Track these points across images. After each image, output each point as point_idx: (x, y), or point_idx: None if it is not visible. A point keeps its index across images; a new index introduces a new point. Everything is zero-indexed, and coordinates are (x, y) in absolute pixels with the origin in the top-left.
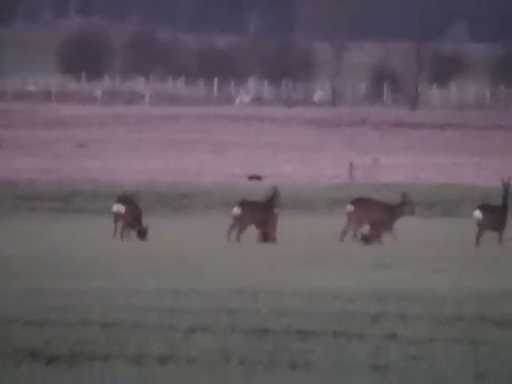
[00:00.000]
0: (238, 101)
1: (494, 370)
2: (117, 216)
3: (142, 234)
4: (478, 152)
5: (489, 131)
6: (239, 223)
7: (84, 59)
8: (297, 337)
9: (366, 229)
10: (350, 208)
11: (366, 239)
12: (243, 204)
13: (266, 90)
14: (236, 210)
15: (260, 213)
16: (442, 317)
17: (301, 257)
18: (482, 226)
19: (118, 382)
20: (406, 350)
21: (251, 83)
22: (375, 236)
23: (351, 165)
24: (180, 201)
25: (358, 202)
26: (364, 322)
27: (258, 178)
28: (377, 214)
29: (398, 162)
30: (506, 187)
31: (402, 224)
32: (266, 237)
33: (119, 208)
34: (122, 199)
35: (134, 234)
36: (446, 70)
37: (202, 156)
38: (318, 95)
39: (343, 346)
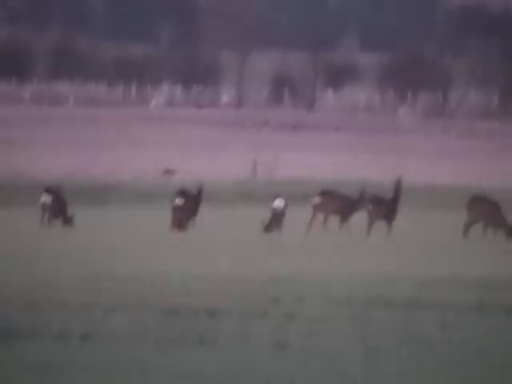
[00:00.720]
0: (153, 103)
1: (382, 346)
2: (44, 206)
3: (68, 221)
4: (368, 151)
5: (378, 132)
6: (179, 214)
7: (13, 65)
8: (205, 316)
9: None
10: (316, 200)
11: (267, 229)
12: (183, 193)
13: (179, 93)
14: (178, 201)
15: (191, 204)
16: (335, 299)
17: (213, 244)
18: (372, 217)
19: (42, 357)
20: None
21: (165, 88)
22: (342, 223)
23: (254, 162)
24: (100, 193)
25: (324, 195)
26: (266, 303)
27: (172, 172)
28: (340, 205)
29: (296, 160)
30: (398, 182)
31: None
32: (180, 225)
33: (46, 199)
34: (49, 191)
35: (59, 222)
36: (339, 77)
37: (120, 153)
38: (224, 98)
39: (247, 324)
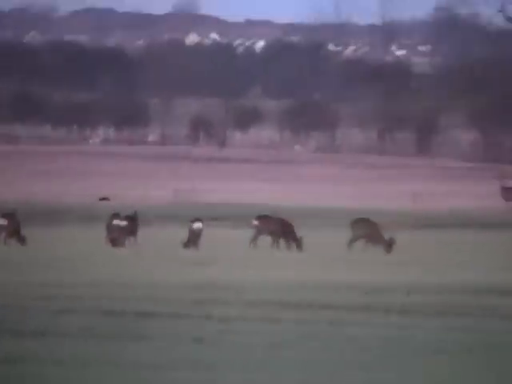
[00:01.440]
0: (91, 141)
1: (289, 341)
2: (1, 228)
3: (22, 240)
4: (271, 179)
5: (278, 164)
6: (117, 233)
7: None
8: (138, 317)
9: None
10: (255, 222)
11: (185, 245)
12: (118, 215)
13: (113, 133)
14: (122, 223)
15: (130, 224)
16: (250, 301)
17: (145, 257)
18: (258, 231)
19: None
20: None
21: (101, 128)
22: (274, 242)
23: (176, 190)
24: (51, 216)
25: (261, 218)
26: (188, 305)
27: (107, 199)
28: (274, 226)
29: (212, 188)
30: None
31: (216, 232)
32: (114, 242)
33: (2, 222)
34: (5, 214)
35: (14, 241)
36: (246, 119)
37: (66, 181)
38: (151, 137)
39: (173, 323)
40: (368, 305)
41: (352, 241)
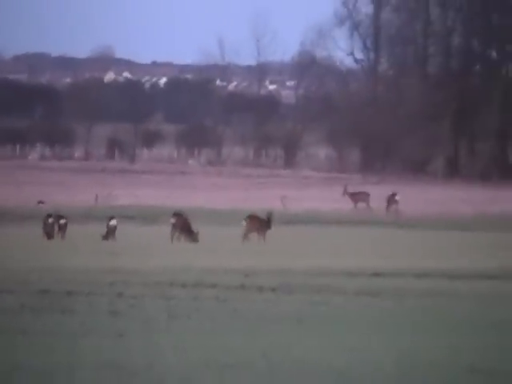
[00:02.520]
0: (30, 157)
1: (183, 314)
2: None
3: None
4: (169, 187)
5: (175, 175)
6: (50, 228)
7: None
8: (65, 294)
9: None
10: (244, 222)
11: (104, 238)
12: (51, 216)
13: (47, 151)
14: (50, 221)
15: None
16: (153, 282)
17: (75, 248)
18: (248, 229)
19: None
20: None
21: (38, 147)
22: (261, 236)
23: (96, 195)
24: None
25: (249, 218)
26: (104, 285)
27: (42, 202)
28: (259, 224)
29: (124, 193)
30: (270, 212)
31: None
32: (49, 235)
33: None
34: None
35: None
36: (151, 139)
37: (9, 190)
38: (76, 154)
39: (92, 299)
40: (246, 284)
41: (245, 234)
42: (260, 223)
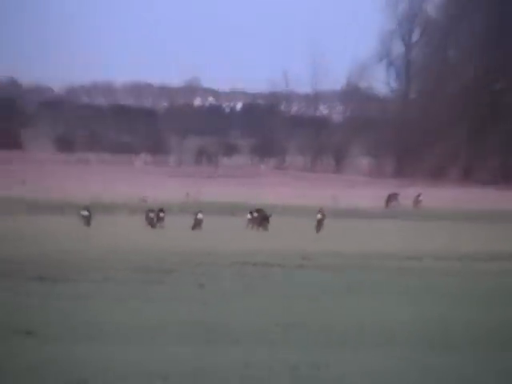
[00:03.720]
0: (136, 164)
1: (299, 289)
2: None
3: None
4: (246, 185)
5: (248, 177)
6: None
7: None
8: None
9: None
10: (252, 214)
11: (193, 228)
12: (159, 210)
13: (149, 158)
14: (155, 213)
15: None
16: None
17: (170, 234)
18: (250, 223)
19: None
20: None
21: (142, 156)
22: (263, 228)
23: (187, 193)
24: (113, 209)
25: (257, 211)
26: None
27: (145, 199)
28: (262, 217)
29: (209, 192)
30: (260, 208)
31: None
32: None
33: (254, 215)
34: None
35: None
36: (230, 150)
37: (120, 189)
38: (171, 161)
39: (186, 277)
40: (304, 264)
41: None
42: (262, 216)
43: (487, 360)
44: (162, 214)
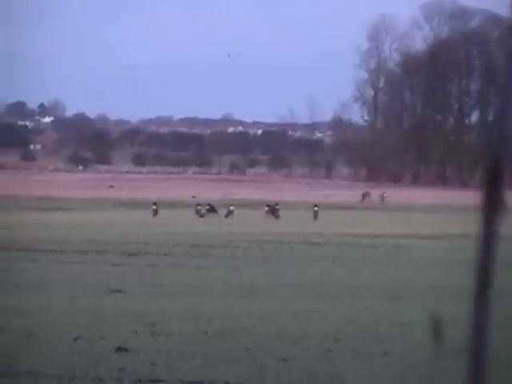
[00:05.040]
0: (188, 172)
1: (303, 260)
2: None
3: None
4: (263, 190)
5: (267, 183)
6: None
7: None
8: (207, 246)
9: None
10: (267, 208)
11: (226, 216)
12: (208, 205)
13: (197, 169)
14: (204, 207)
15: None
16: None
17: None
18: (266, 212)
19: None
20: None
21: (192, 167)
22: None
23: (223, 193)
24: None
25: (270, 205)
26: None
27: (194, 197)
28: (274, 209)
29: (238, 193)
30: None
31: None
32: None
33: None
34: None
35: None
36: (253, 163)
37: (179, 191)
38: (213, 171)
39: (221, 252)
40: (306, 241)
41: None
42: (273, 208)
43: (420, 307)
44: (206, 208)
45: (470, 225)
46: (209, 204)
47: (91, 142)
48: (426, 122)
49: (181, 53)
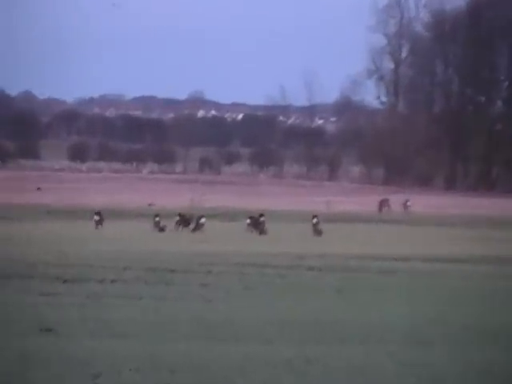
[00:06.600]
0: (143, 172)
1: (294, 288)
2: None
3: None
4: (245, 194)
5: (250, 185)
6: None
7: None
8: (169, 271)
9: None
10: (249, 220)
11: (193, 231)
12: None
13: (156, 167)
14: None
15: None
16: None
17: (180, 238)
18: (248, 225)
19: None
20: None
21: (149, 164)
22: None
23: (191, 199)
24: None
25: (253, 216)
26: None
27: (153, 204)
28: (259, 221)
29: (211, 198)
30: (259, 215)
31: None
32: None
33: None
34: (251, 217)
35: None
36: (231, 159)
37: (127, 195)
38: (177, 169)
39: (189, 277)
40: (299, 264)
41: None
42: (257, 220)
43: (460, 355)
44: (159, 220)
45: None
46: (180, 214)
47: (12, 129)
48: (465, 106)
49: (132, 14)
